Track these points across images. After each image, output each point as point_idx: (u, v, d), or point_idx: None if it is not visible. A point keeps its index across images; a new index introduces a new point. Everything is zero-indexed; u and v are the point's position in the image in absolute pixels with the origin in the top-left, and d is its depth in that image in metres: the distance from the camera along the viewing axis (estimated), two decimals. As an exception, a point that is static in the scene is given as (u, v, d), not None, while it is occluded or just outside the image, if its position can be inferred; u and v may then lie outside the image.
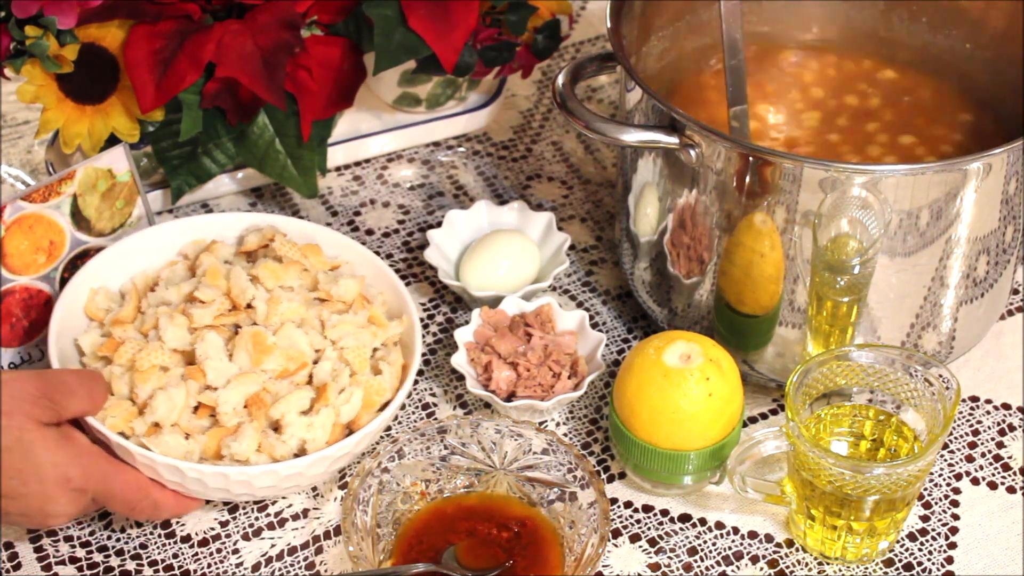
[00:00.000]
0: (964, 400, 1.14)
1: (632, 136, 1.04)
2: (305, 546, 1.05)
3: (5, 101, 1.37)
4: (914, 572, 1.04)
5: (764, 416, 1.14)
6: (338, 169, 1.33)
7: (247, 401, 1.03)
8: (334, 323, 1.07)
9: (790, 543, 1.05)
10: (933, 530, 1.06)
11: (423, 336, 1.19)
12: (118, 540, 1.06)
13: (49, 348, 1.04)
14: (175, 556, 1.05)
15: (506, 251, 1.19)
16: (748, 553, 1.05)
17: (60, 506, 0.97)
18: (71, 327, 1.08)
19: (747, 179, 1.02)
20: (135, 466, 1.00)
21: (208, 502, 1.07)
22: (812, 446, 0.97)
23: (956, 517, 1.07)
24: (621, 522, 1.07)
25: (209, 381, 1.03)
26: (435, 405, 1.15)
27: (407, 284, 1.23)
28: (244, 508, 1.07)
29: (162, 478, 1.00)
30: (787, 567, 1.04)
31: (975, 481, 1.09)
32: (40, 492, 0.96)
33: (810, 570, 1.04)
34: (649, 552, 1.05)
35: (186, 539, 1.06)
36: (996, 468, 1.10)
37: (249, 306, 1.07)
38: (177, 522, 1.06)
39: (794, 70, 1.24)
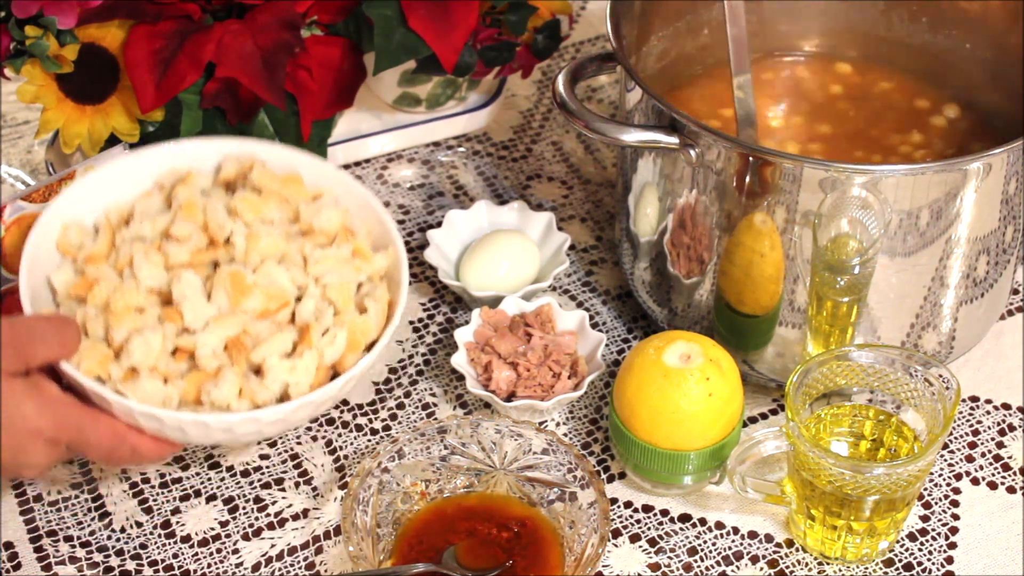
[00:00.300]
0: (964, 400, 1.14)
1: (632, 136, 1.04)
2: (305, 546, 1.05)
3: (5, 101, 1.37)
4: (914, 572, 1.04)
5: (764, 416, 1.14)
6: (338, 169, 1.33)
7: (227, 344, 0.99)
8: (317, 258, 1.03)
9: (790, 543, 1.05)
10: (933, 530, 1.06)
11: (422, 336, 1.19)
12: (118, 540, 1.06)
13: (20, 288, 1.00)
14: (175, 556, 1.05)
15: (506, 251, 1.19)
16: (748, 553, 1.05)
17: (32, 457, 0.94)
18: (44, 264, 1.03)
19: (747, 179, 1.02)
20: (112, 413, 0.97)
21: (189, 452, 1.07)
22: (812, 446, 0.97)
23: (956, 517, 1.07)
24: (621, 522, 1.07)
25: (187, 323, 0.99)
26: (435, 405, 1.15)
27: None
28: (244, 508, 1.07)
29: (140, 425, 0.97)
30: (787, 567, 1.04)
31: (975, 481, 1.09)
32: (10, 444, 0.92)
33: (810, 570, 1.04)
34: (649, 552, 1.05)
35: (186, 539, 1.06)
36: (996, 468, 1.10)
37: (227, 241, 1.02)
38: (177, 522, 1.06)
39: (792, 70, 1.24)
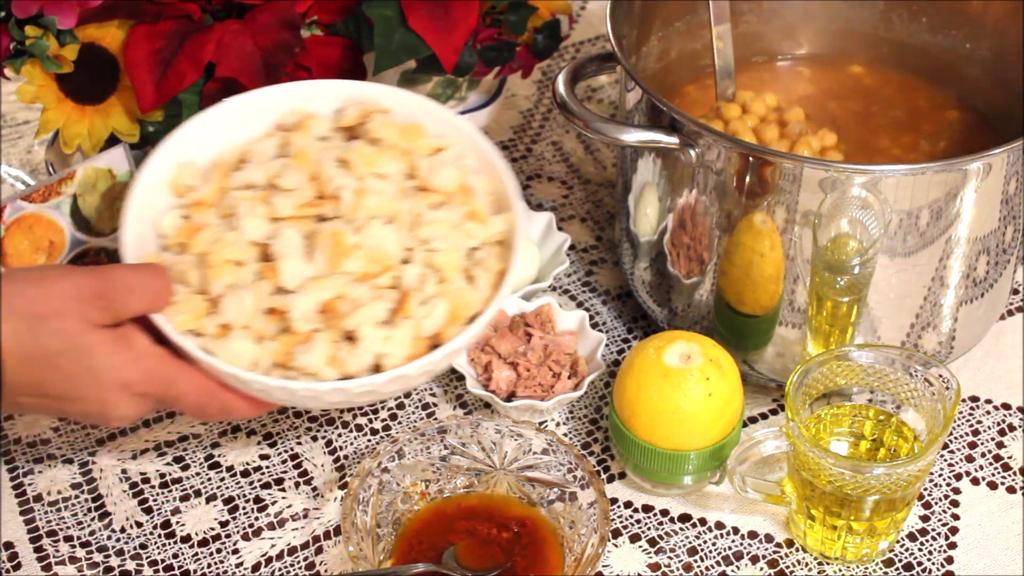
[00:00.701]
0: (964, 400, 1.14)
1: (632, 136, 1.04)
2: (305, 546, 1.05)
3: (5, 101, 1.37)
4: (914, 572, 1.04)
5: (764, 416, 1.14)
6: (338, 169, 1.33)
7: (322, 307, 0.95)
8: (428, 220, 0.98)
9: (790, 543, 1.05)
10: (933, 530, 1.06)
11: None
12: (118, 540, 1.06)
13: (124, 230, 0.97)
14: (175, 556, 1.05)
15: (506, 251, 1.19)
16: (748, 553, 1.05)
17: (121, 410, 0.93)
18: (153, 205, 1.00)
19: (747, 179, 1.02)
20: (201, 370, 0.95)
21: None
22: (812, 446, 0.97)
23: (956, 517, 1.07)
24: (621, 522, 1.07)
25: (283, 282, 0.95)
26: (435, 405, 1.15)
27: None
28: (244, 508, 1.07)
29: (228, 384, 0.95)
30: (787, 567, 1.04)
31: (975, 481, 1.09)
32: (98, 396, 0.92)
33: (810, 570, 1.04)
34: (649, 552, 1.05)
35: (186, 539, 1.06)
36: (996, 468, 1.10)
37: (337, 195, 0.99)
38: (177, 522, 1.06)
39: (792, 70, 1.24)
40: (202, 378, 0.95)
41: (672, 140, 1.04)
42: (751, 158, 1.01)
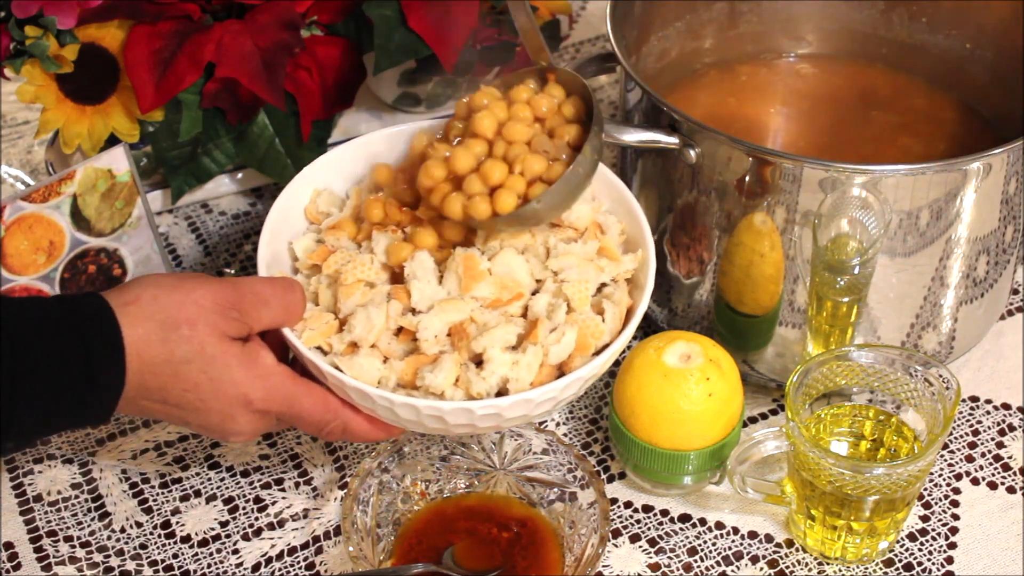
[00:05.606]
0: (964, 400, 1.14)
1: (632, 136, 1.04)
2: (305, 546, 1.05)
3: (5, 101, 1.37)
4: (914, 572, 1.04)
5: (764, 416, 1.14)
6: (338, 169, 1.33)
7: (450, 330, 0.96)
8: (559, 252, 1.00)
9: (790, 543, 1.05)
10: (933, 530, 1.06)
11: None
12: (118, 540, 1.06)
13: (259, 251, 0.99)
14: (175, 556, 1.05)
15: (507, 251, 1.19)
16: (748, 553, 1.05)
17: (240, 425, 0.93)
18: (288, 229, 1.03)
19: (747, 179, 1.02)
20: (327, 386, 0.95)
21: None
22: (812, 446, 0.97)
23: (956, 517, 1.07)
24: (621, 522, 1.07)
25: (413, 303, 0.96)
26: (435, 405, 1.14)
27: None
28: (244, 508, 1.07)
29: (353, 402, 0.95)
30: (787, 567, 1.04)
31: (975, 481, 1.09)
32: (219, 409, 0.92)
33: (810, 570, 1.04)
34: (649, 552, 1.05)
35: (186, 539, 1.06)
36: (996, 468, 1.10)
37: None
38: (177, 522, 1.07)
39: (792, 70, 1.24)
40: (325, 397, 0.95)
41: (672, 140, 1.04)
42: (751, 158, 1.01)
